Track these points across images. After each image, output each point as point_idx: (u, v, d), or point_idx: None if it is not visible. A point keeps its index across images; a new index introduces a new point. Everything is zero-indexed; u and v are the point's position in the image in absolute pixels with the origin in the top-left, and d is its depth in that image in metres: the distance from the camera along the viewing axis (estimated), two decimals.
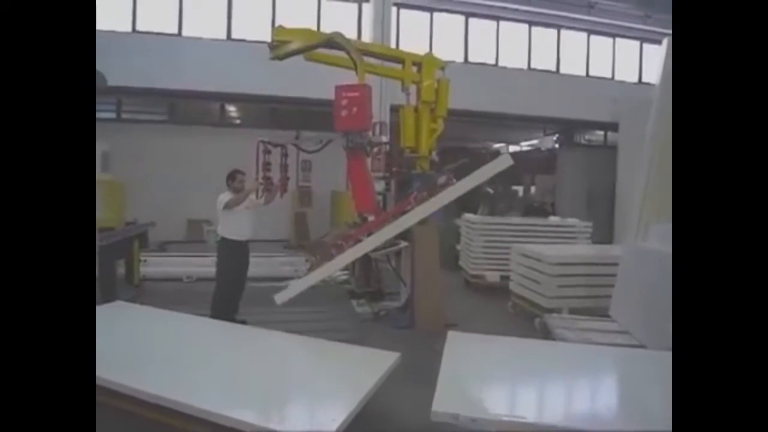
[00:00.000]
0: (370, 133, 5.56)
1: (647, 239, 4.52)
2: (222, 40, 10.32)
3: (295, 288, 4.79)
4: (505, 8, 11.32)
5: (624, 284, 4.61)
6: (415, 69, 5.72)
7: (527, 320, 5.83)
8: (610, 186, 12.79)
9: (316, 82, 10.52)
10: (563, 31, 12.12)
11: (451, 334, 3.37)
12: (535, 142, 19.01)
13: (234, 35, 10.37)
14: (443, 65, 5.74)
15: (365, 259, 6.69)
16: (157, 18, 9.97)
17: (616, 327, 4.33)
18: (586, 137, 14.91)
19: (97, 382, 2.17)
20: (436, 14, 11.23)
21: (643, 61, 12.89)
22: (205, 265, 7.90)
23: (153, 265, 7.38)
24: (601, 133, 14.56)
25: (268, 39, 10.38)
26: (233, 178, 4.82)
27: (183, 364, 2.75)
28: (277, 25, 5.92)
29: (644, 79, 12.87)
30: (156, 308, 4.15)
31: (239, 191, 4.76)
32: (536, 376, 2.84)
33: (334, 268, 5.18)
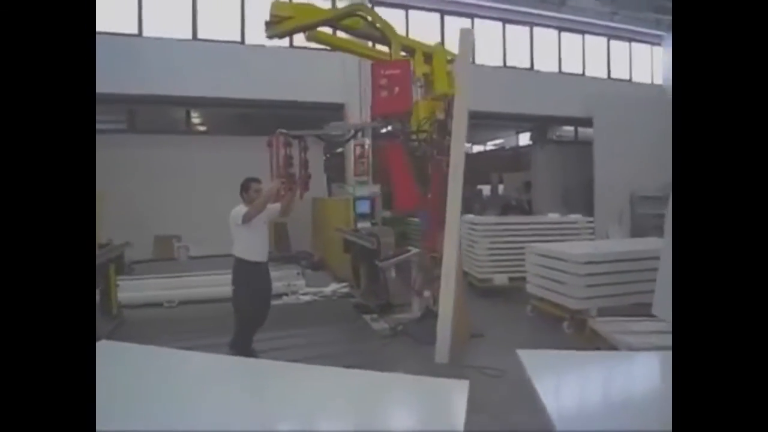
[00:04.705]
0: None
1: None
2: (187, 40, 9.52)
3: (444, 334, 3.83)
4: (479, 6, 11.18)
5: (670, 280, 4.38)
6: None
7: (552, 324, 5.55)
8: (585, 181, 12.93)
9: (291, 82, 10.03)
10: (536, 29, 12.15)
11: (523, 353, 2.94)
12: (500, 141, 19.18)
13: (200, 35, 9.60)
14: (453, 57, 5.36)
15: (373, 269, 6.21)
16: (115, 17, 9.03)
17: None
18: (557, 134, 15.08)
19: None
20: (411, 12, 10.93)
21: (611, 58, 13.17)
22: (185, 286, 7.17)
23: (128, 290, 6.54)
24: (570, 128, 14.77)
25: (238, 38, 9.73)
26: (247, 188, 4.15)
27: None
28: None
29: (613, 75, 13.15)
30: (153, 347, 3.39)
31: None
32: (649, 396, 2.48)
33: (451, 283, 4.10)
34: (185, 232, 10.53)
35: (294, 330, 5.31)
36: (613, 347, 3.83)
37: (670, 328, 4.10)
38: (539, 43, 12.32)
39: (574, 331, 5.22)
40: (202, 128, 11.70)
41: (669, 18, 12.35)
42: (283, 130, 4.96)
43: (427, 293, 4.62)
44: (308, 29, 4.98)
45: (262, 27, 5.23)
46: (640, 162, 11.86)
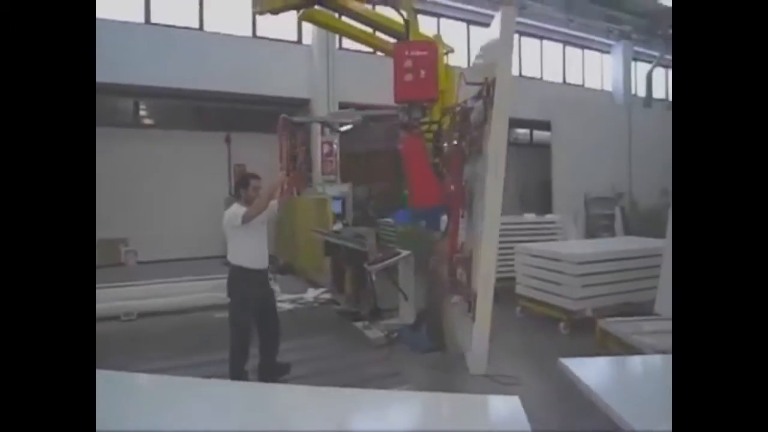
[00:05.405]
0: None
1: None
2: (138, 23, 8.65)
3: (482, 344, 3.50)
4: (447, 6, 11.13)
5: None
6: None
7: (544, 325, 5.47)
8: (540, 182, 13.29)
9: (252, 74, 9.42)
10: None
11: (565, 362, 2.76)
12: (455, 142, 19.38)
13: (154, 19, 8.76)
14: (450, 50, 5.16)
15: (359, 274, 5.86)
16: None
17: None
18: (513, 137, 15.41)
19: None
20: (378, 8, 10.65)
21: (566, 63, 13.64)
22: (145, 296, 6.43)
23: None
24: (525, 131, 15.16)
25: (196, 25, 9.00)
26: (246, 184, 3.65)
27: None
28: None
29: (567, 81, 13.63)
30: (146, 375, 2.86)
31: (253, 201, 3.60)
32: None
33: (490, 287, 3.76)
34: (132, 235, 9.60)
35: (285, 343, 4.85)
36: (630, 349, 3.75)
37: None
38: None
39: (570, 332, 5.18)
40: (149, 121, 10.72)
41: (619, 28, 13.00)
42: (286, 116, 4.48)
43: (455, 299, 4.35)
44: (302, 7, 4.54)
45: (226, 10, 4.76)
46: (592, 164, 12.38)
